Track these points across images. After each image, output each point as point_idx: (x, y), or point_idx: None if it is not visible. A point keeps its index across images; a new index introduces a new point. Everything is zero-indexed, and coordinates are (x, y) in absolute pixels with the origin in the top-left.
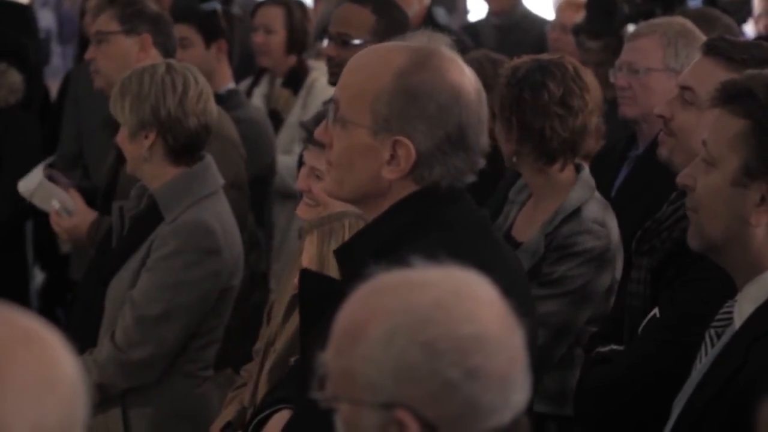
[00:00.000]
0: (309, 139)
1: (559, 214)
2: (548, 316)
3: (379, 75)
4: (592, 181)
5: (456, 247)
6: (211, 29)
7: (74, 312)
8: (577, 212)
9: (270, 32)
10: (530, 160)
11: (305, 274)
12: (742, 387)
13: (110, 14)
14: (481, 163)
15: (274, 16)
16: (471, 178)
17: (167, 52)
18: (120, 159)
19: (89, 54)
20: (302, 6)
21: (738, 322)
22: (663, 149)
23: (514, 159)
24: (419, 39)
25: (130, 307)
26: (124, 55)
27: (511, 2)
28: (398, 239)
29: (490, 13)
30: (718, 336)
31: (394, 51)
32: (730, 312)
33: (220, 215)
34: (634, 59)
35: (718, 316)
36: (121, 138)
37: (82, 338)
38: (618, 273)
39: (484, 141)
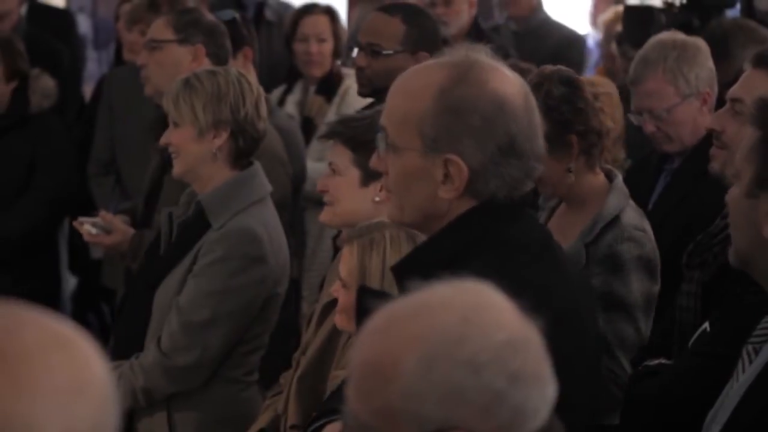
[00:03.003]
0: (326, 134)
1: (598, 223)
2: (628, 338)
3: (421, 96)
4: (626, 189)
5: (514, 267)
6: (235, 38)
7: (122, 317)
8: (616, 220)
9: (322, 41)
10: (583, 169)
11: (363, 291)
12: None
13: (165, 22)
14: (539, 168)
15: (324, 25)
16: (529, 185)
17: (219, 62)
18: (164, 166)
19: (141, 60)
20: (337, 12)
21: None
22: (715, 163)
23: (572, 177)
24: (458, 52)
25: (177, 312)
26: (177, 65)
27: (530, 8)
28: (457, 257)
29: (509, 19)
30: (756, 352)
31: (434, 69)
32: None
33: (267, 222)
34: (651, 105)
35: (756, 332)
36: (183, 138)
37: (130, 343)
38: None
39: (538, 145)
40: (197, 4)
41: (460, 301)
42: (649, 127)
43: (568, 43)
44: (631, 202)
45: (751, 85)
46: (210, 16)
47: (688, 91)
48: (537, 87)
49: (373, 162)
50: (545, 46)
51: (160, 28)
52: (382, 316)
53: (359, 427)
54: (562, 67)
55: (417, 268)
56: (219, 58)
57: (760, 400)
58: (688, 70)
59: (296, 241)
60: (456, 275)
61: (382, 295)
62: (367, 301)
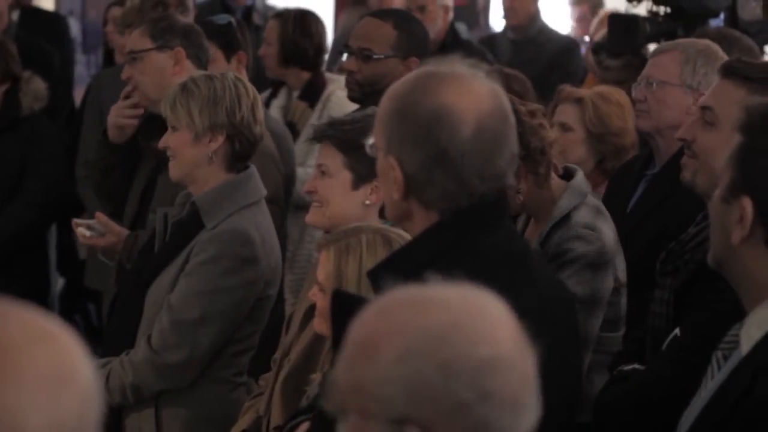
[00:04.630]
0: (314, 137)
1: (549, 222)
2: None
3: (387, 98)
4: (584, 187)
5: (483, 280)
6: (230, 42)
7: (114, 314)
8: (566, 218)
9: (268, 45)
10: (532, 188)
11: (337, 294)
12: (746, 418)
13: (142, 32)
14: (481, 187)
15: (271, 29)
16: (472, 200)
17: (201, 63)
18: (157, 167)
19: (125, 74)
20: (300, 19)
21: (745, 346)
22: (686, 172)
23: (520, 198)
24: (443, 61)
25: (168, 311)
26: (160, 71)
27: (528, 17)
28: (430, 264)
29: (507, 28)
30: (725, 358)
31: (410, 75)
32: (737, 335)
33: (261, 225)
34: (652, 73)
35: (726, 338)
36: (180, 142)
37: (121, 340)
38: (621, 274)
39: (488, 165)
40: (188, 9)
41: (462, 305)
42: (639, 94)
43: (566, 51)
44: (590, 200)
45: (720, 94)
46: (184, 19)
47: (689, 81)
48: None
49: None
50: (543, 55)
51: (137, 39)
52: (388, 297)
53: (337, 393)
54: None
55: (392, 272)
56: (200, 59)
57: (722, 407)
58: (701, 65)
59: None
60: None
61: (356, 299)
62: (341, 304)
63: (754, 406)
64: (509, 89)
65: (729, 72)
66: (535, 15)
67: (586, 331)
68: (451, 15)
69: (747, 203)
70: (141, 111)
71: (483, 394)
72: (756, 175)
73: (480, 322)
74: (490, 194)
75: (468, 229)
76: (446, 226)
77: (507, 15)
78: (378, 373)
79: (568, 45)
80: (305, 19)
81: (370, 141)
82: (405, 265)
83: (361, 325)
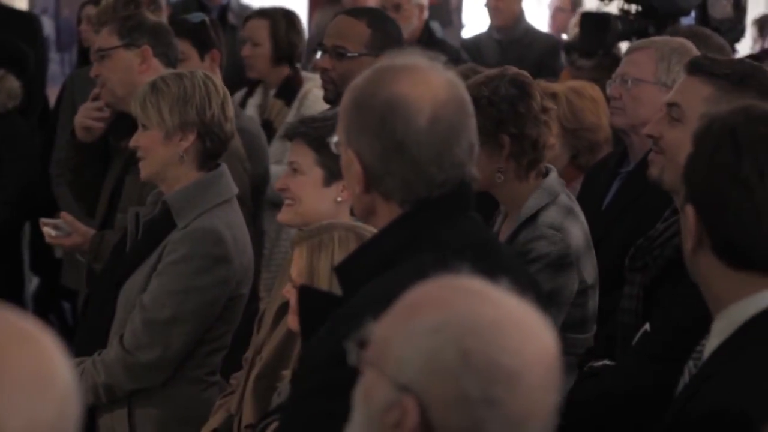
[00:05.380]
0: (287, 134)
1: (517, 222)
2: None
3: (347, 92)
4: (556, 187)
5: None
6: (203, 41)
7: (86, 314)
8: (533, 218)
9: (256, 45)
10: (512, 176)
11: (304, 290)
12: (684, 425)
13: (110, 30)
14: (440, 176)
15: (259, 29)
16: (432, 191)
17: (169, 61)
18: (125, 167)
19: (94, 71)
20: (289, 17)
21: (706, 356)
22: (654, 168)
23: (501, 178)
24: (404, 55)
25: (140, 310)
26: (127, 69)
27: (513, 17)
28: (392, 259)
29: (491, 28)
30: (696, 368)
31: (368, 68)
32: (705, 345)
33: (232, 223)
34: (627, 71)
35: (698, 348)
36: (150, 141)
37: (93, 340)
38: (588, 276)
39: (446, 155)
40: (160, 7)
41: (512, 311)
42: (614, 91)
43: (552, 51)
44: (560, 200)
45: (686, 91)
46: (153, 18)
47: (663, 79)
48: (490, 81)
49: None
50: (529, 55)
51: (105, 36)
52: (457, 277)
53: (370, 346)
54: (525, 73)
55: (358, 268)
56: (168, 58)
57: (672, 417)
58: (675, 63)
59: (255, 243)
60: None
61: (323, 295)
62: (308, 300)
63: (695, 414)
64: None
65: (695, 68)
66: (519, 15)
67: None
68: (426, 14)
69: (690, 212)
70: (108, 113)
71: (489, 398)
72: (696, 183)
73: (520, 334)
74: (450, 185)
75: (431, 221)
76: (409, 219)
77: (492, 15)
78: (407, 335)
79: (554, 45)
80: (293, 18)
81: (335, 138)
82: (371, 260)
83: (418, 290)
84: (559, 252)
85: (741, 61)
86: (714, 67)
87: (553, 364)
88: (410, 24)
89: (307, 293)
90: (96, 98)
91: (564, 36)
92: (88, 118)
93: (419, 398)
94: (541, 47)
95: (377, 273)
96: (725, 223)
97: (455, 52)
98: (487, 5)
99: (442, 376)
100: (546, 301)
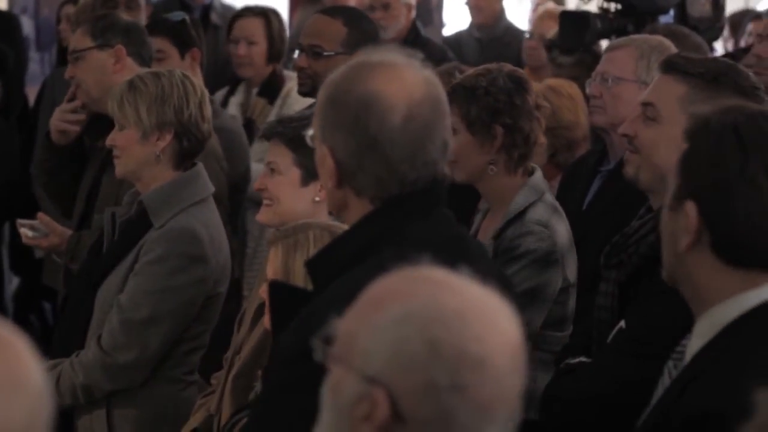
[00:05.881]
0: (265, 134)
1: (504, 218)
2: None
3: (323, 87)
4: (541, 185)
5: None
6: (184, 39)
7: (64, 315)
8: (521, 215)
9: (252, 43)
10: (502, 169)
11: (274, 285)
12: (673, 428)
13: (83, 31)
14: (412, 175)
15: (255, 27)
16: (403, 188)
17: (143, 60)
18: (102, 167)
19: (68, 73)
20: (279, 16)
21: (688, 357)
22: (629, 167)
23: (493, 170)
24: (373, 51)
25: (117, 311)
26: (101, 70)
27: (494, 15)
28: (362, 255)
29: (472, 26)
30: (676, 369)
31: (344, 65)
32: (686, 345)
33: (209, 222)
34: (607, 69)
35: (678, 348)
36: (127, 140)
37: (71, 341)
38: (570, 274)
39: (420, 153)
40: (138, 7)
41: (475, 299)
42: (594, 90)
43: None
44: (546, 198)
45: (660, 90)
46: (127, 17)
47: (643, 77)
48: (488, 72)
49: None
50: (509, 53)
51: (79, 38)
52: (417, 268)
53: (336, 341)
54: (521, 70)
55: (328, 264)
56: (142, 57)
57: (657, 419)
58: (654, 61)
59: (238, 242)
60: (354, 274)
61: (294, 290)
62: (278, 295)
63: (678, 418)
64: None
65: (669, 67)
66: (500, 13)
67: (526, 325)
68: (413, 13)
69: (691, 208)
70: (83, 116)
71: (457, 385)
72: (698, 179)
73: (484, 321)
74: (422, 182)
75: (401, 217)
76: (379, 215)
77: (472, 13)
78: (373, 328)
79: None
80: (281, 16)
81: (310, 132)
82: (341, 255)
83: (379, 284)
84: (547, 248)
85: (715, 59)
86: (688, 66)
87: (518, 348)
88: (398, 23)
89: (277, 288)
90: (71, 100)
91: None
92: (63, 120)
93: (388, 389)
94: (521, 46)
95: (347, 268)
96: (731, 219)
97: (442, 52)
98: (468, 3)
99: (410, 367)
100: (525, 297)
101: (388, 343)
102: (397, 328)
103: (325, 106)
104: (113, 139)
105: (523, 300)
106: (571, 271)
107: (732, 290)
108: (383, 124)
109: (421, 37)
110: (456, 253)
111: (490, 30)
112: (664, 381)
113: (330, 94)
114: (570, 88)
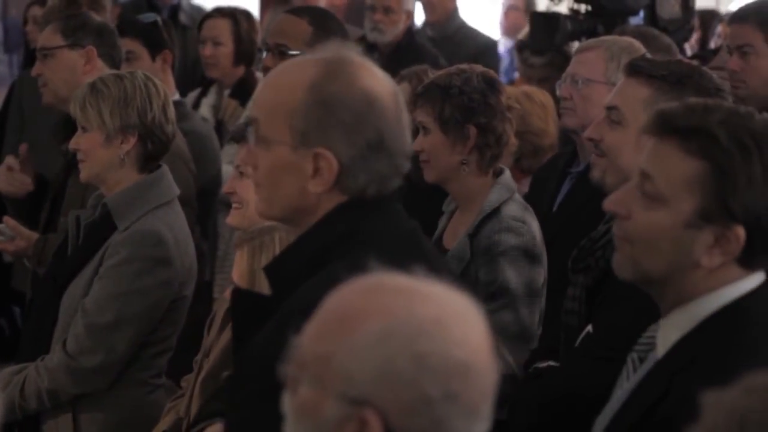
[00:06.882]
0: (232, 137)
1: (479, 216)
2: (508, 327)
3: (292, 90)
4: (511, 184)
5: (383, 260)
6: (155, 41)
7: (29, 319)
8: (496, 212)
9: (218, 44)
10: (474, 169)
11: (236, 291)
12: (663, 418)
13: (53, 29)
14: (406, 166)
15: (222, 28)
16: (397, 182)
17: (113, 62)
18: (68, 169)
19: (35, 70)
20: (249, 17)
21: (661, 348)
22: (596, 170)
23: (465, 170)
24: (330, 49)
25: (82, 315)
26: (71, 69)
27: (447, 14)
28: (326, 253)
29: (425, 24)
30: (641, 360)
31: (306, 64)
32: (654, 337)
33: (174, 225)
34: (577, 71)
35: (642, 340)
36: (91, 143)
37: (37, 346)
38: (544, 273)
39: (406, 144)
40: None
41: (446, 303)
42: (564, 92)
43: (485, 50)
44: (517, 197)
45: (624, 93)
46: (98, 18)
47: (613, 79)
48: (462, 72)
49: (241, 158)
50: (462, 52)
51: (49, 35)
52: (376, 278)
53: (297, 363)
54: (492, 72)
55: (286, 267)
56: (112, 59)
57: (637, 410)
58: (624, 62)
59: (209, 244)
60: (326, 272)
61: (255, 296)
62: (241, 301)
63: (671, 407)
64: None
65: (633, 70)
66: (453, 12)
67: (528, 323)
68: (411, 19)
69: (740, 232)
70: (30, 183)
71: (449, 394)
72: (748, 205)
73: (460, 324)
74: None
75: (362, 215)
76: (342, 213)
77: (425, 11)
78: (352, 349)
79: (486, 45)
80: (252, 18)
81: (253, 137)
82: (300, 258)
83: (341, 298)
84: (527, 243)
85: (679, 62)
86: (652, 69)
87: (490, 344)
88: (396, 28)
89: (239, 296)
90: (10, 167)
91: (501, 37)
92: (10, 185)
93: (378, 408)
94: (474, 47)
95: (309, 270)
96: None
97: (434, 57)
98: (421, 1)
99: (400, 384)
100: (521, 296)
101: (372, 363)
102: (380, 346)
103: (312, 109)
104: (77, 143)
105: (523, 300)
106: (545, 270)
107: (713, 285)
108: (385, 120)
109: (415, 43)
110: (415, 246)
111: (442, 28)
112: (629, 373)
113: (318, 96)
114: (542, 96)
